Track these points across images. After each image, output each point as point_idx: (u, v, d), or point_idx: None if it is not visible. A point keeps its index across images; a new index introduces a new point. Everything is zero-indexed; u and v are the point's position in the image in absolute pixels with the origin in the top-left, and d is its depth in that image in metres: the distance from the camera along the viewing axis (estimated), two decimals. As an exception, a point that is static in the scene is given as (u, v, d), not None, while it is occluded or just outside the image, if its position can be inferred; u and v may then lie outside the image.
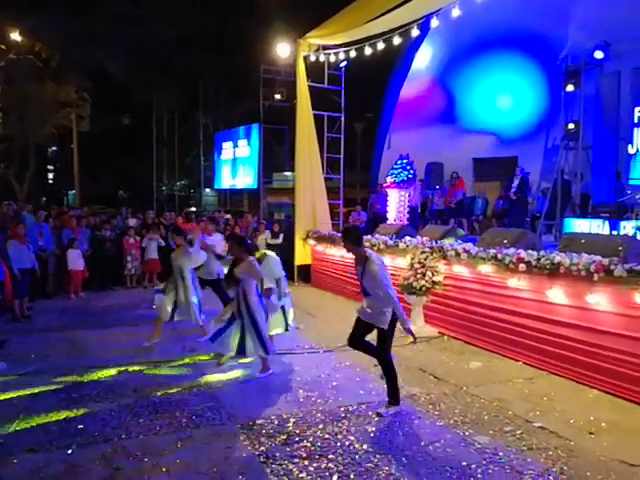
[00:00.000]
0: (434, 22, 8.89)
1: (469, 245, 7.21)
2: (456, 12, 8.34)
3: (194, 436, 4.22)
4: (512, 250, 6.44)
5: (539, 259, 5.99)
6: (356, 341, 4.93)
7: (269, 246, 11.48)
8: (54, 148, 30.88)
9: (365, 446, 4.05)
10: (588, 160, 11.70)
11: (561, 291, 5.75)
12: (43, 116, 20.76)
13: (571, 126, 11.11)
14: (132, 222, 12.60)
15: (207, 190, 28.95)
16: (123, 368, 5.85)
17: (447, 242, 7.65)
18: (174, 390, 5.22)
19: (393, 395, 4.77)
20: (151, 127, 26.95)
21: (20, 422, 4.45)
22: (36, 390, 5.19)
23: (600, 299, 5.34)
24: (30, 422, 4.46)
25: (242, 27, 22.36)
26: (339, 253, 10.54)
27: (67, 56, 20.91)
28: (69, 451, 3.96)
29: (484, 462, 3.82)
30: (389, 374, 4.79)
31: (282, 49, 12.13)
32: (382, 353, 4.82)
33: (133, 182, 29.48)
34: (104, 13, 22.18)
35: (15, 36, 19.63)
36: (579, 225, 9.84)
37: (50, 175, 33.74)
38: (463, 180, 13.80)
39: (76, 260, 9.99)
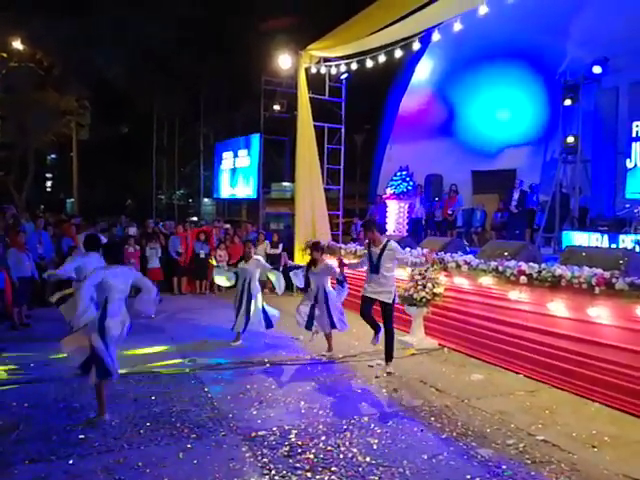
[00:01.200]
0: (435, 36, 8.97)
1: (470, 257, 7.23)
2: (458, 26, 8.41)
3: (196, 447, 4.19)
4: (513, 262, 6.47)
5: (540, 272, 6.01)
6: (366, 313, 6.30)
7: (268, 256, 11.50)
8: (53, 156, 30.90)
9: (368, 458, 4.04)
10: (587, 174, 11.78)
11: (562, 304, 5.77)
12: (44, 124, 20.80)
13: (570, 140, 11.18)
14: (132, 231, 12.59)
15: (205, 200, 28.97)
16: (123, 378, 5.80)
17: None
18: (174, 400, 5.20)
19: (391, 354, 6.25)
20: (151, 136, 27.01)
21: (20, 431, 4.43)
22: (36, 399, 5.16)
23: (601, 312, 5.36)
24: (30, 431, 4.43)
25: (244, 38, 22.50)
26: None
27: (67, 64, 21.00)
28: (70, 461, 3.92)
29: (488, 475, 3.80)
30: (393, 339, 6.27)
31: (284, 61, 12.21)
32: (391, 324, 6.25)
33: (132, 191, 29.50)
34: (104, 21, 22.26)
35: (17, 44, 19.71)
36: (578, 238, 9.88)
37: (48, 183, 33.71)
38: (454, 194, 13.83)
39: (75, 268, 9.94)
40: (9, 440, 4.26)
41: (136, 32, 21.63)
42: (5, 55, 19.82)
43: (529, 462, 4.02)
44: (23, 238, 8.67)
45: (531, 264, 6.24)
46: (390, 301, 6.22)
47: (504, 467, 3.92)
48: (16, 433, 4.39)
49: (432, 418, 4.87)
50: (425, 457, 4.08)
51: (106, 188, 28.27)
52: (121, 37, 21.90)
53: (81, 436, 4.35)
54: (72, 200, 27.48)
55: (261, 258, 7.87)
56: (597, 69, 10.97)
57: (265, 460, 3.99)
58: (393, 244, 6.25)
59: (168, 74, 23.92)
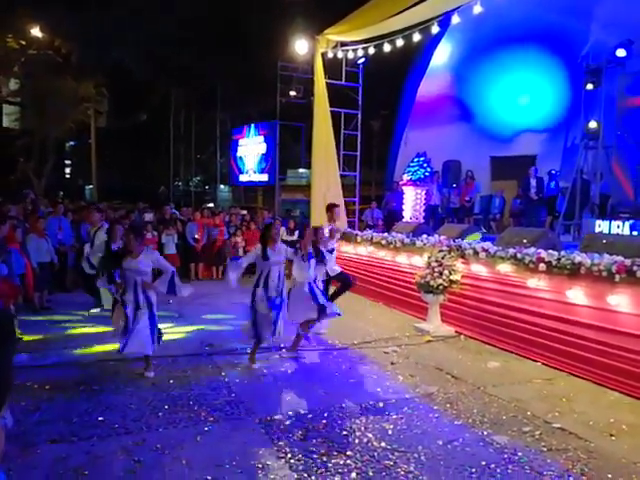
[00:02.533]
0: (455, 19, 8.82)
1: (488, 244, 7.17)
2: (478, 9, 8.25)
3: (213, 430, 4.25)
4: (532, 250, 6.39)
5: (559, 259, 5.94)
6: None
7: (285, 242, 11.52)
8: (72, 143, 31.19)
9: (383, 444, 4.05)
10: (608, 160, 11.53)
11: (581, 292, 5.70)
12: (63, 111, 21.00)
13: (592, 125, 10.94)
14: (148, 217, 12.65)
15: (222, 186, 29.10)
16: (141, 362, 5.88)
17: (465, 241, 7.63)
18: (192, 384, 5.27)
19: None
20: (168, 123, 27.11)
21: (42, 412, 4.52)
22: (57, 381, 5.26)
23: (621, 300, 5.28)
24: (52, 413, 4.52)
25: (260, 24, 22.38)
26: (354, 250, 10.54)
27: (85, 52, 21.13)
28: (91, 442, 4.00)
29: (503, 462, 3.79)
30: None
31: (300, 46, 12.09)
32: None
33: (150, 178, 29.71)
34: (120, 9, 22.30)
35: (35, 32, 19.85)
36: (599, 225, 9.71)
37: (67, 170, 34.06)
38: (470, 181, 13.68)
39: (94, 254, 10.06)
40: (31, 421, 4.35)
41: (149, 21, 21.66)
42: (24, 43, 20.00)
43: (545, 450, 4.00)
44: (42, 224, 8.79)
45: (550, 251, 6.17)
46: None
47: (520, 454, 3.91)
48: (38, 414, 4.49)
49: (448, 405, 4.87)
50: (440, 443, 4.08)
51: (124, 175, 28.48)
52: (136, 26, 21.94)
53: (101, 418, 4.43)
54: (91, 187, 27.78)
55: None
56: (621, 52, 10.66)
57: (281, 443, 4.03)
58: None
59: (184, 62, 23.92)
